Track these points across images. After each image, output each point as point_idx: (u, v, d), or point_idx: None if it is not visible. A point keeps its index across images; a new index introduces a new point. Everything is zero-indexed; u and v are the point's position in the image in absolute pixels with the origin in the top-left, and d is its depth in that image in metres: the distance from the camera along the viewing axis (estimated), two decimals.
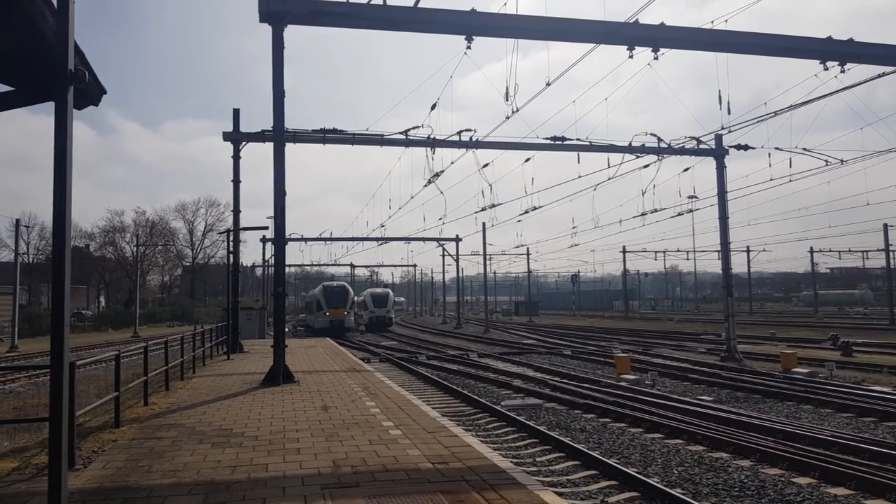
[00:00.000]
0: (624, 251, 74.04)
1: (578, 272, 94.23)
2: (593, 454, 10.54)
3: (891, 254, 54.06)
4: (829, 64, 15.12)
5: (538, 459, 10.78)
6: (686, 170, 27.42)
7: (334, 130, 22.81)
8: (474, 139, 23.47)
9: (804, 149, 23.75)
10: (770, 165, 24.37)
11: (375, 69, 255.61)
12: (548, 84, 16.55)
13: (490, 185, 37.08)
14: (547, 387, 18.84)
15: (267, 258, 55.85)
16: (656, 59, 14.50)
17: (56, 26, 4.64)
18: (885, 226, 51.40)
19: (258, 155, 47.41)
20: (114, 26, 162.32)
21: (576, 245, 53.47)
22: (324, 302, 49.60)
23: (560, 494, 7.14)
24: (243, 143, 23.87)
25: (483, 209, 31.43)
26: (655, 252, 74.45)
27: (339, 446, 8.13)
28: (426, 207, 79.26)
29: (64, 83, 4.59)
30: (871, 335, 35.00)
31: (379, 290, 63.98)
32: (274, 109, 14.89)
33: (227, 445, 8.27)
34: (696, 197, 28.65)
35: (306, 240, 52.57)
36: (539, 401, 16.38)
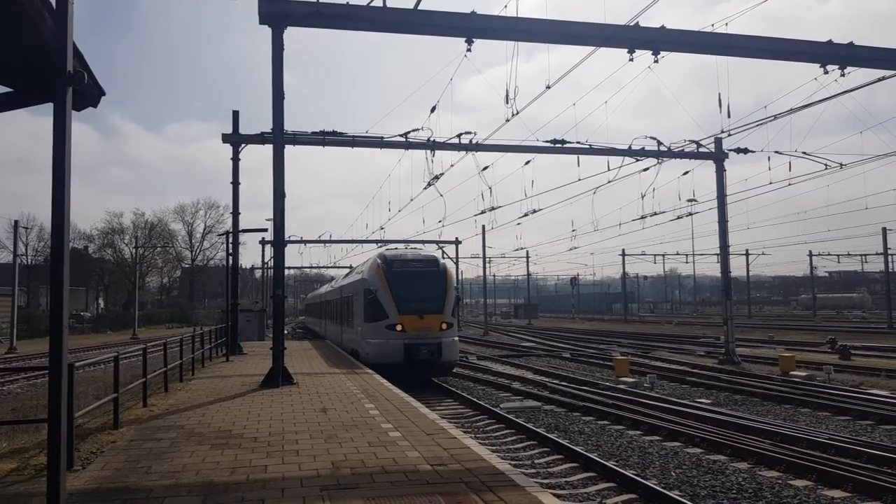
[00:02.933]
0: (623, 254, 74.09)
1: (578, 275, 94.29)
2: (592, 456, 10.54)
3: (889, 258, 54.13)
4: (829, 67, 15.14)
5: (537, 461, 10.78)
6: (686, 173, 27.51)
7: (334, 132, 22.82)
8: (474, 142, 23.48)
9: (804, 152, 23.79)
10: (770, 169, 24.42)
11: (380, 71, 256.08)
12: (548, 87, 16.56)
13: (490, 188, 36.67)
14: (546, 389, 18.83)
15: (266, 260, 55.88)
16: (656, 62, 14.53)
17: (55, 28, 4.65)
18: (884, 230, 51.51)
19: (260, 157, 45.99)
20: (118, 29, 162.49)
21: (575, 248, 53.48)
22: (387, 298, 20.10)
23: (558, 496, 7.15)
24: (242, 144, 23.88)
25: (483, 212, 31.38)
26: (655, 255, 74.60)
27: (338, 448, 8.13)
28: (426, 210, 78.85)
29: (63, 84, 4.60)
30: (870, 339, 35.02)
31: None
32: (273, 111, 14.90)
33: (226, 447, 8.27)
34: (695, 200, 28.68)
35: (305, 242, 52.41)
36: (538, 403, 16.38)
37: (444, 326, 19.74)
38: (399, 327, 19.39)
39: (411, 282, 20.21)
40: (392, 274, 20.30)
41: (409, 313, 19.52)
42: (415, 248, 24.71)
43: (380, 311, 19.84)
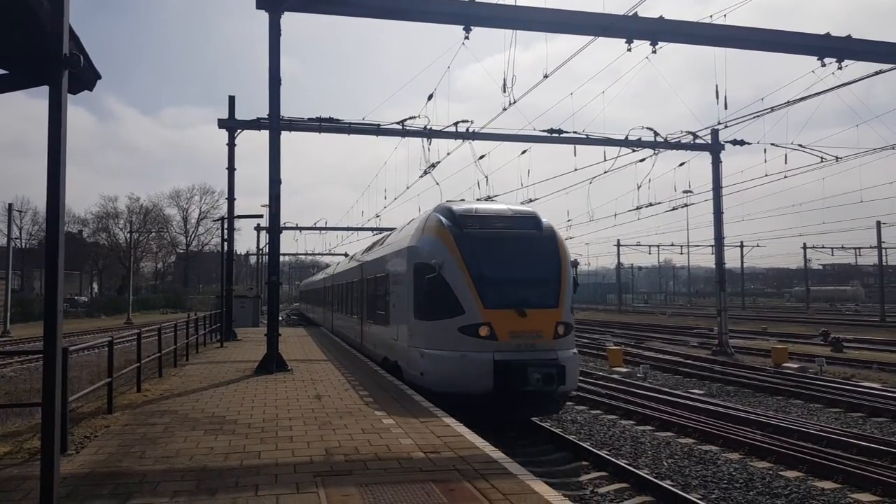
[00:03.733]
0: (618, 245, 74.23)
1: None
2: (584, 445, 10.61)
3: (883, 251, 54.36)
4: (826, 61, 15.17)
5: (529, 450, 10.84)
6: (682, 164, 27.49)
7: (330, 119, 22.74)
8: (471, 130, 23.42)
9: (800, 145, 23.82)
10: (766, 161, 24.45)
11: (377, 58, 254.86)
12: (545, 76, 16.51)
13: (486, 177, 36.63)
14: None
15: (261, 246, 55.74)
16: (654, 52, 14.53)
17: (51, 10, 4.60)
18: (879, 223, 51.63)
19: (257, 142, 45.44)
20: (114, 11, 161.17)
21: (570, 238, 53.45)
22: (461, 280, 11.66)
23: (550, 485, 7.18)
24: (238, 130, 23.81)
25: (479, 200, 31.38)
26: (649, 246, 74.71)
27: (332, 435, 8.15)
28: (422, 198, 78.93)
29: (58, 67, 4.56)
30: (862, 331, 35.22)
31: None
32: (270, 97, 14.82)
33: (219, 433, 8.28)
34: (691, 192, 28.76)
35: (300, 228, 52.35)
36: None
37: (560, 330, 11.66)
38: (484, 331, 11.31)
39: (501, 253, 12.10)
40: (467, 239, 12.03)
41: (501, 306, 11.44)
42: (501, 205, 14.13)
43: (447, 301, 11.67)
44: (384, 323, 15.25)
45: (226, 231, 26.67)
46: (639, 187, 28.01)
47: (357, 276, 20.61)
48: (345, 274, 24.82)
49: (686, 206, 30.70)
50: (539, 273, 12.10)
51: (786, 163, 24.00)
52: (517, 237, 12.41)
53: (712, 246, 28.69)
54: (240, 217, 29.16)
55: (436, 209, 13.36)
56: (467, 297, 11.43)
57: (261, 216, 34.77)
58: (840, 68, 15.29)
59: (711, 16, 15.02)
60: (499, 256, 11.97)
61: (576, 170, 25.85)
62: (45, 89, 4.65)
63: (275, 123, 15.06)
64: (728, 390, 17.28)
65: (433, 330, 11.97)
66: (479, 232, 12.23)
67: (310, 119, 22.67)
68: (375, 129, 23.24)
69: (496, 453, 7.21)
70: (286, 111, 20.31)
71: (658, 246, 75.87)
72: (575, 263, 12.64)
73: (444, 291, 11.64)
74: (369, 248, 21.44)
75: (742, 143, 25.91)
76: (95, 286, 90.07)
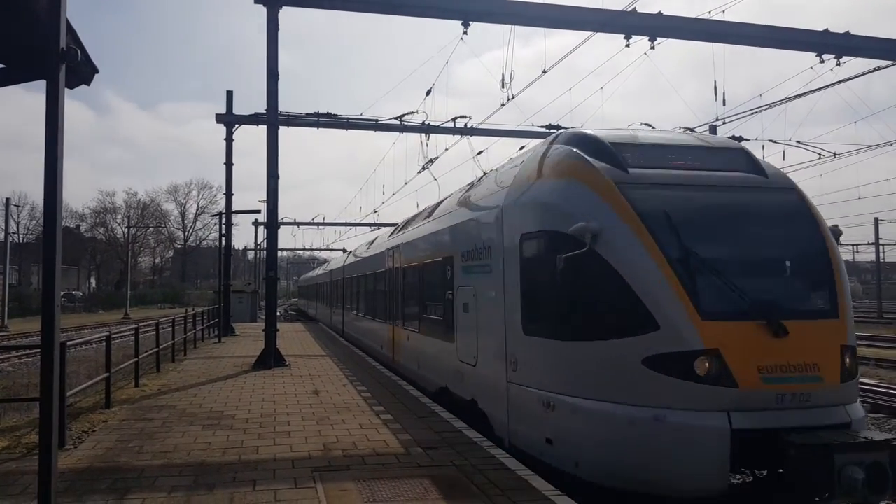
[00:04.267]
0: None
1: None
2: None
3: (881, 248, 54.45)
4: (825, 57, 15.19)
5: None
6: None
7: (328, 114, 22.73)
8: (469, 126, 23.38)
9: (798, 141, 23.81)
10: (763, 157, 24.42)
11: (376, 53, 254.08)
12: (544, 72, 16.46)
13: (484, 173, 36.66)
14: None
15: (259, 242, 55.79)
16: (653, 48, 14.53)
17: (48, 4, 4.58)
18: (876, 220, 51.70)
19: (256, 137, 45.36)
20: (113, 5, 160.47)
21: None
22: (645, 267, 6.04)
23: (548, 479, 7.20)
24: (236, 125, 23.80)
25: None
26: None
27: (330, 430, 8.16)
28: (420, 194, 79.23)
29: (55, 61, 4.54)
30: (859, 328, 35.15)
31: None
32: (268, 92, 14.81)
33: (217, 428, 8.29)
34: None
35: (298, 224, 52.44)
36: None
37: (848, 361, 6.24)
38: (705, 365, 5.71)
39: (715, 216, 6.70)
40: (646, 189, 6.65)
41: (736, 316, 5.98)
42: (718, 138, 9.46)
43: (611, 302, 6.35)
44: (442, 334, 10.32)
45: (224, 226, 26.67)
46: None
47: (384, 265, 15.72)
48: (364, 262, 19.45)
49: None
50: (792, 253, 6.75)
51: (784, 159, 24.10)
52: (736, 186, 7.03)
53: None
54: (238, 212, 29.14)
55: (558, 139, 8.01)
56: (663, 297, 6.01)
57: (259, 211, 34.67)
58: (839, 65, 15.33)
59: (710, 12, 15.02)
60: (713, 221, 6.66)
61: None
62: (42, 83, 4.64)
63: (272, 118, 15.04)
64: None
65: (577, 357, 6.55)
66: (663, 175, 6.87)
67: (308, 114, 22.66)
68: (374, 125, 23.24)
69: (494, 449, 7.22)
70: (284, 106, 20.30)
71: None
72: (836, 232, 7.11)
73: (604, 284, 6.35)
74: (403, 227, 15.68)
75: (740, 139, 25.89)
76: (93, 281, 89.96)
